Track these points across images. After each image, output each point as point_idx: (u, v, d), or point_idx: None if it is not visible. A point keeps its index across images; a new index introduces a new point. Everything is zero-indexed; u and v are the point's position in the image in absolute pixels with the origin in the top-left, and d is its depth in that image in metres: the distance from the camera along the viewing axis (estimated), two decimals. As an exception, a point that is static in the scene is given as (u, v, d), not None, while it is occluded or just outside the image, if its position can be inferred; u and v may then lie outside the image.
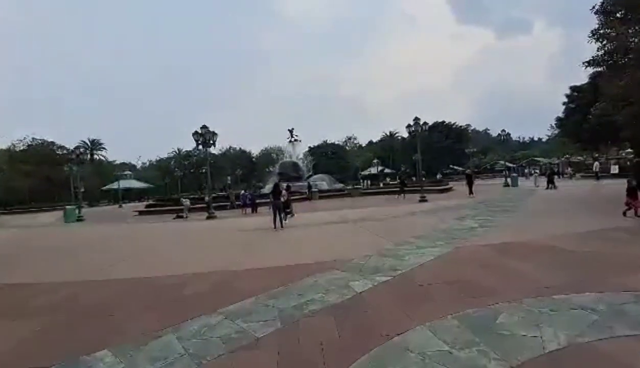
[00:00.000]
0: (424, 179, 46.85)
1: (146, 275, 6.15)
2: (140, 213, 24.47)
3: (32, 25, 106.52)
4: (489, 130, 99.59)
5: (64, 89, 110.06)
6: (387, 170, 55.33)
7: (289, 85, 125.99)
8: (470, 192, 20.77)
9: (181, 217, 19.15)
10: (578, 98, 40.05)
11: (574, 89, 40.66)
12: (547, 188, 21.67)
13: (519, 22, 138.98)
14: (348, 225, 11.19)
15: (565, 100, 41.78)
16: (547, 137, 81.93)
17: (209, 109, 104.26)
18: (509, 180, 29.08)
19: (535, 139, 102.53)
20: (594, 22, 16.13)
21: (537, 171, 27.27)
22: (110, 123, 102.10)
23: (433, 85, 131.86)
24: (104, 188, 55.13)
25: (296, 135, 41.06)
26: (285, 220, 12.61)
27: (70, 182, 32.38)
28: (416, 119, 19.76)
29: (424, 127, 19.81)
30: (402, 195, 23.25)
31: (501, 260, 5.53)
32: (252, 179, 59.92)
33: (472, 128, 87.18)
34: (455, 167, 65.10)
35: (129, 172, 63.09)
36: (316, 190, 30.37)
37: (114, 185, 50.02)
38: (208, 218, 17.50)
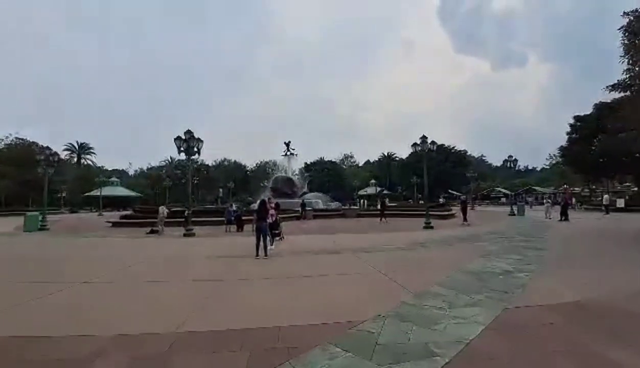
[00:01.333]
0: (421, 202, 45.20)
1: (36, 332, 4.01)
2: (114, 224, 22.09)
3: (28, 25, 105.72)
4: (484, 156, 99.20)
5: (62, 90, 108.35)
6: (385, 191, 53.58)
7: (284, 103, 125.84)
8: (465, 219, 19.86)
9: (156, 231, 16.89)
10: (582, 128, 39.19)
11: (577, 118, 39.87)
12: (561, 220, 19.91)
13: (514, 55, 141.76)
14: (346, 258, 9.14)
15: (569, 129, 40.91)
16: (545, 166, 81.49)
17: (205, 117, 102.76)
18: (514, 208, 27.39)
19: (530, 167, 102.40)
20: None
21: (549, 201, 25.50)
22: (107, 128, 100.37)
23: (427, 110, 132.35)
24: (87, 194, 52.44)
25: (292, 149, 39.21)
26: (271, 245, 10.55)
27: (45, 185, 29.86)
28: (423, 138, 18.05)
29: (432, 146, 18.06)
30: (383, 219, 22.46)
31: (597, 345, 3.51)
32: (244, 192, 57.60)
33: (467, 153, 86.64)
34: (453, 192, 63.64)
35: (116, 179, 60.53)
36: (310, 209, 28.34)
37: (97, 192, 47.36)
38: (185, 235, 15.33)
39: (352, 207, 39.48)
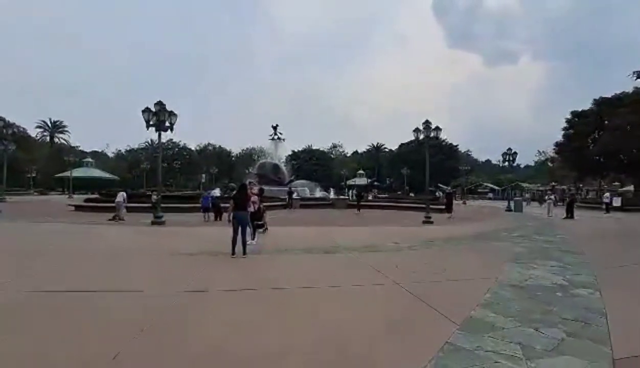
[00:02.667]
0: (411, 194, 43.90)
1: None
2: (77, 208, 19.72)
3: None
4: (470, 152, 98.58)
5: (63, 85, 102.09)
6: (376, 183, 52.15)
7: (277, 92, 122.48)
8: (449, 212, 19.48)
9: (120, 218, 14.70)
10: (579, 124, 38.28)
11: (575, 114, 38.81)
12: (566, 217, 18.68)
13: (505, 53, 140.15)
14: (345, 259, 7.35)
15: (565, 125, 39.95)
16: (530, 163, 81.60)
17: (191, 103, 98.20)
18: (511, 204, 26.28)
19: (514, 164, 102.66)
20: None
21: (552, 197, 24.30)
22: (90, 112, 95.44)
23: (419, 105, 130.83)
24: (58, 175, 48.88)
25: (280, 133, 37.07)
26: (253, 239, 8.66)
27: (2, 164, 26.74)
28: (427, 122, 16.36)
29: (435, 133, 16.36)
30: (359, 210, 22.64)
31: None
32: (227, 179, 55.06)
33: (457, 147, 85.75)
34: (442, 186, 62.80)
35: (90, 160, 56.88)
36: (298, 197, 26.52)
37: (68, 173, 43.96)
38: (153, 223, 13.24)
39: (341, 197, 37.86)
